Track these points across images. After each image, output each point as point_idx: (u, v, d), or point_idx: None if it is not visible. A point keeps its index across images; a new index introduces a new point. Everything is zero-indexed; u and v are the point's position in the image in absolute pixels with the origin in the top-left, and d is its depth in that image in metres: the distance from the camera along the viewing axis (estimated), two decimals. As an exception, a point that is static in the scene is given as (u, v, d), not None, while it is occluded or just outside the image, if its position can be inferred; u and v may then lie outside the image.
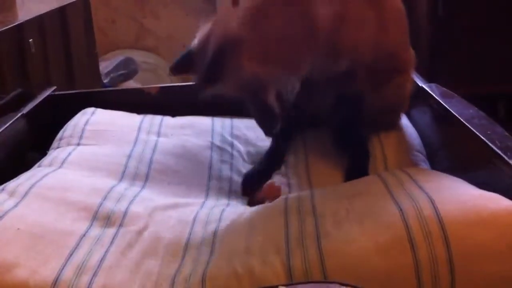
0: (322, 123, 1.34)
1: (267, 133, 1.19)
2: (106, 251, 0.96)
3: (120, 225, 1.04)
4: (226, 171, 1.32)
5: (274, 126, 1.14)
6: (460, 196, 0.93)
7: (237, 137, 1.46)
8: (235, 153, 1.39)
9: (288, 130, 1.31)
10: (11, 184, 1.11)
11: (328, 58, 1.17)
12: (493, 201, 0.91)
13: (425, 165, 1.26)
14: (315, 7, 1.10)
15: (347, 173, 1.25)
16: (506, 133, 1.06)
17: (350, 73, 1.21)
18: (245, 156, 1.40)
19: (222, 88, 1.09)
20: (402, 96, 1.33)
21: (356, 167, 1.25)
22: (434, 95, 1.31)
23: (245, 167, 1.35)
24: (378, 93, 1.25)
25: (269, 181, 1.26)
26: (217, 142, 1.41)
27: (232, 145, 1.42)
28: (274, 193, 1.16)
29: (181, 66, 1.17)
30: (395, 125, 1.37)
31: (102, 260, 0.93)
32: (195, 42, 1.14)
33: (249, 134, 1.47)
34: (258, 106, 1.12)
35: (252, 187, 1.23)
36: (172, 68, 1.18)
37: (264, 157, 1.33)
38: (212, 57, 1.05)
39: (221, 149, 1.39)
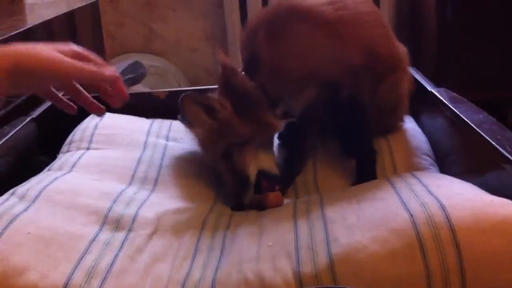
0: (327, 129, 1.34)
1: (235, 206, 1.17)
2: (116, 255, 0.96)
3: (130, 229, 1.04)
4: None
5: (245, 199, 1.16)
6: (471, 202, 0.93)
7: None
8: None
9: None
10: (21, 188, 1.11)
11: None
12: (504, 207, 0.90)
13: (434, 169, 1.26)
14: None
15: (355, 177, 1.25)
16: (517, 138, 1.05)
17: (335, 85, 1.23)
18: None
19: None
20: (399, 94, 1.32)
21: (364, 171, 1.25)
22: (443, 100, 1.31)
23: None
24: (373, 92, 1.26)
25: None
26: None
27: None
28: (275, 202, 1.16)
29: None
30: (396, 127, 1.37)
31: (111, 264, 0.93)
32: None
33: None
34: (235, 174, 1.18)
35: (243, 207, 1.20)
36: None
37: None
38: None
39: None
